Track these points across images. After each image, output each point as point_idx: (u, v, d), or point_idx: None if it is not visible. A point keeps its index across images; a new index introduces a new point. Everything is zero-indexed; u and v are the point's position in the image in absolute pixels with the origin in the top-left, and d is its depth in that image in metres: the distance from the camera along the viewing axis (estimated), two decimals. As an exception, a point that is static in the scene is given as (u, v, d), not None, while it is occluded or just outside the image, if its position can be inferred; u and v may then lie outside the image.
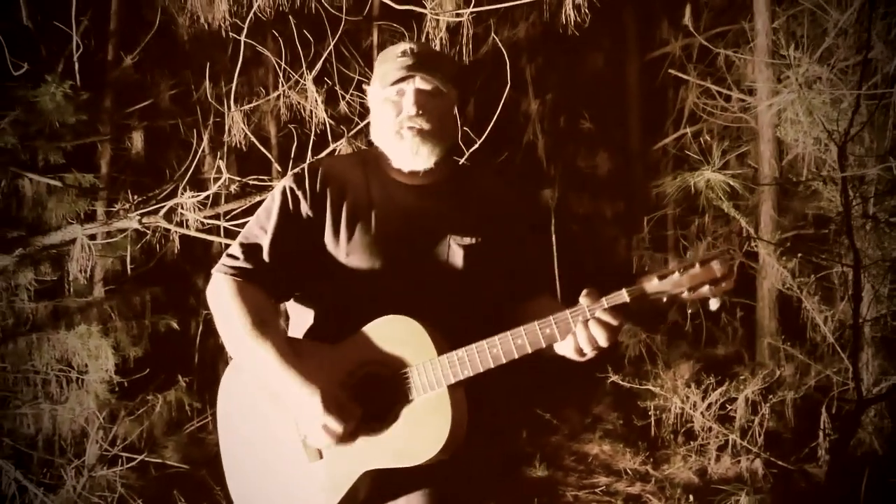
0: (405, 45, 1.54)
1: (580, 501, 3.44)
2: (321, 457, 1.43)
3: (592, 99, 7.25)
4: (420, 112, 1.49)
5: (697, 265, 1.29)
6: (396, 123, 1.50)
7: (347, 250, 1.49)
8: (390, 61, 1.52)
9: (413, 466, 1.37)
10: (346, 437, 1.39)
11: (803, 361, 4.02)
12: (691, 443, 3.74)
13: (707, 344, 5.88)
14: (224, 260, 1.52)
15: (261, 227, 1.53)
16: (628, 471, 3.76)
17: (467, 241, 1.51)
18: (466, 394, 1.40)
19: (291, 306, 1.61)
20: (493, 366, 1.35)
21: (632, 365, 5.12)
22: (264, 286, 1.50)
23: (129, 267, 3.67)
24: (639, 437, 4.13)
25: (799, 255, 3.84)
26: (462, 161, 2.81)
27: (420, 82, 1.50)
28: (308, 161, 3.02)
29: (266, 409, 1.48)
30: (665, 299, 1.31)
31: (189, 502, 3.26)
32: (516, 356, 1.35)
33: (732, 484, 3.33)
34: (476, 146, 3.00)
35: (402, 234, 1.51)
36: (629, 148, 7.74)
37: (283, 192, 1.54)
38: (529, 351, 1.35)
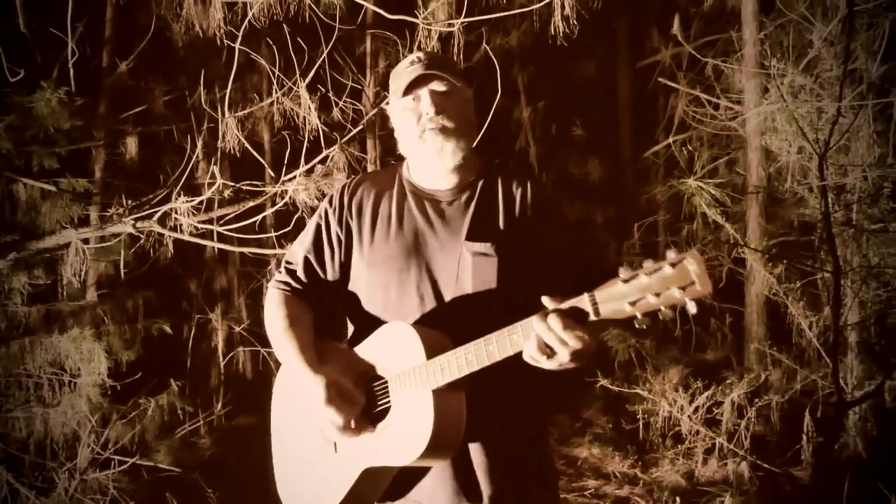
0: (412, 56, 1.60)
1: (570, 504, 3.48)
2: (336, 450, 1.53)
3: (584, 106, 7.32)
4: (438, 111, 1.53)
5: (667, 267, 1.13)
6: (418, 128, 1.55)
7: (369, 262, 1.60)
8: (401, 74, 1.58)
9: (416, 469, 1.43)
10: (349, 430, 1.48)
11: (790, 366, 4.08)
12: (679, 446, 3.79)
13: (696, 349, 5.94)
14: (275, 273, 1.73)
15: (300, 245, 1.69)
16: (617, 474, 3.81)
17: (479, 247, 1.51)
18: (473, 392, 1.42)
19: (344, 313, 1.73)
20: (468, 371, 1.36)
21: (621, 370, 5.17)
22: (301, 296, 1.67)
23: (122, 271, 3.70)
24: (628, 440, 4.18)
25: (784, 261, 3.91)
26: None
27: (433, 84, 1.54)
28: (299, 171, 3.06)
29: (300, 402, 1.59)
30: (630, 304, 1.16)
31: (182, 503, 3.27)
32: (488, 362, 1.34)
33: (718, 486, 3.38)
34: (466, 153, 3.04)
35: (416, 244, 1.57)
36: (620, 155, 7.82)
37: (319, 214, 1.69)
38: (499, 357, 1.33)
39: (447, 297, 1.52)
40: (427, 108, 1.53)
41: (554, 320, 1.24)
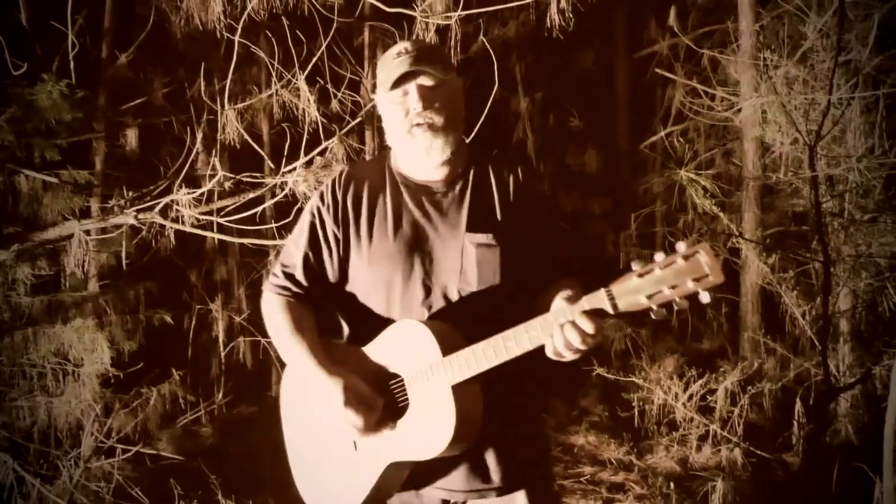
0: (399, 47, 1.56)
1: (566, 490, 3.54)
2: (356, 448, 1.55)
3: (581, 97, 7.34)
4: (426, 107, 1.51)
5: (680, 259, 1.17)
6: (406, 123, 1.53)
7: (370, 257, 1.58)
8: (388, 65, 1.54)
9: (434, 458, 1.46)
10: (369, 430, 1.50)
11: (784, 355, 4.13)
12: (673, 433, 3.85)
13: (692, 338, 6.00)
14: (270, 278, 1.68)
15: (296, 247, 1.64)
16: (612, 460, 3.87)
17: (481, 238, 1.52)
18: (488, 386, 1.45)
19: (339, 314, 1.71)
20: (488, 367, 1.39)
21: (618, 358, 5.23)
22: (303, 299, 1.64)
23: (124, 262, 3.73)
24: (623, 428, 4.24)
25: (779, 251, 3.95)
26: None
27: (421, 78, 1.51)
28: (299, 163, 3.10)
29: (314, 404, 1.60)
30: (647, 297, 1.20)
31: (185, 491, 3.33)
32: (507, 358, 1.37)
33: (711, 472, 3.44)
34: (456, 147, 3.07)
35: (418, 238, 1.56)
36: (617, 145, 7.84)
37: (311, 212, 1.64)
38: (518, 353, 1.36)
39: (453, 291, 1.52)
40: (415, 104, 1.51)
41: (584, 321, 1.28)
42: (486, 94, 3.09)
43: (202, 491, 3.50)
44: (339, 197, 1.62)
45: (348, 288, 1.63)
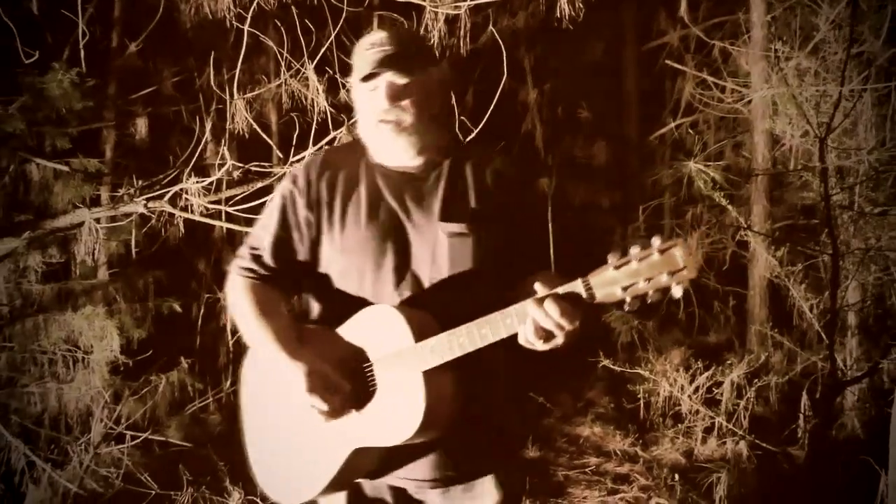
0: (374, 36, 1.52)
1: (571, 481, 3.55)
2: (319, 433, 1.53)
3: (590, 88, 7.30)
4: (394, 105, 1.47)
5: (656, 253, 1.19)
6: (373, 117, 1.50)
7: (342, 244, 1.55)
8: (361, 55, 1.50)
9: (402, 444, 1.44)
10: (334, 415, 1.47)
11: (791, 348, 4.12)
12: (679, 425, 3.86)
13: (699, 331, 5.99)
14: (236, 260, 1.64)
15: (265, 229, 1.61)
16: (618, 452, 3.88)
17: (455, 228, 1.49)
18: (460, 373, 1.43)
19: (306, 296, 1.68)
20: (461, 353, 1.38)
21: (624, 350, 5.23)
22: (270, 282, 1.61)
23: (133, 250, 3.76)
24: (629, 419, 4.25)
25: (787, 244, 3.94)
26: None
27: (392, 75, 1.46)
28: (308, 153, 3.10)
29: (276, 389, 1.58)
30: (623, 289, 1.21)
31: (194, 478, 3.37)
32: (481, 344, 1.36)
33: (716, 464, 3.45)
34: (473, 135, 3.08)
35: (390, 226, 1.53)
36: (626, 137, 7.81)
37: (283, 195, 1.60)
38: (492, 340, 1.35)
39: (425, 279, 1.51)
40: (382, 102, 1.47)
41: (551, 306, 1.27)
42: (495, 84, 3.08)
43: (210, 477, 3.53)
44: (314, 181, 1.58)
45: (320, 271, 1.60)
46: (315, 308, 1.65)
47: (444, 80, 1.59)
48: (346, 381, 1.48)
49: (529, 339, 1.32)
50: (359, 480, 1.58)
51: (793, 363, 4.12)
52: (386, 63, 1.45)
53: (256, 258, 1.60)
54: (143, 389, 3.91)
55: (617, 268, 1.22)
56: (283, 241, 1.59)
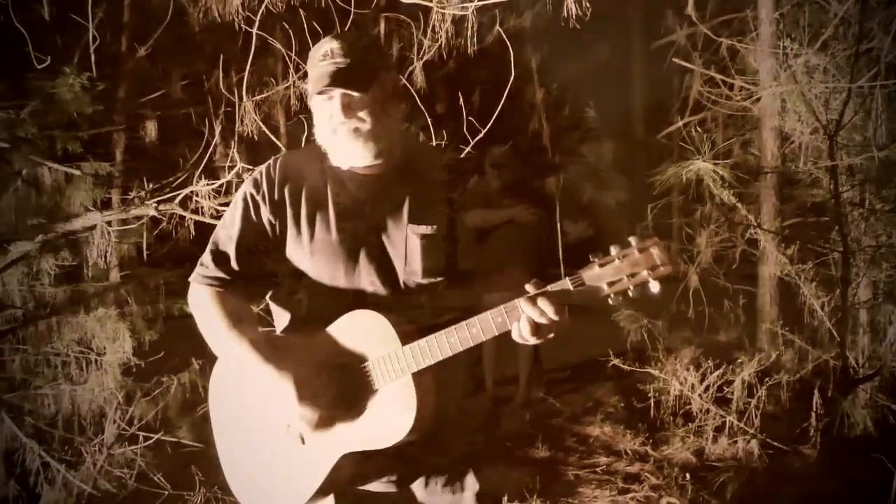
0: (326, 46, 1.49)
1: (581, 480, 3.55)
2: (303, 442, 1.53)
3: (597, 87, 7.29)
4: (349, 115, 1.47)
5: (636, 252, 1.30)
6: (330, 125, 1.50)
7: (311, 249, 1.55)
8: (315, 65, 1.49)
9: (387, 448, 1.45)
10: (322, 424, 1.48)
11: (802, 346, 4.10)
12: (689, 424, 3.85)
13: (709, 330, 5.96)
14: (198, 269, 1.61)
15: (227, 236, 1.59)
16: (628, 451, 3.87)
17: (424, 229, 1.53)
18: (435, 376, 1.46)
19: (272, 303, 1.69)
20: (451, 353, 1.41)
21: (634, 350, 5.21)
22: (237, 290, 1.60)
23: (144, 253, 3.79)
24: (639, 419, 4.24)
25: (797, 242, 3.92)
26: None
27: (345, 90, 1.46)
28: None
29: (253, 400, 1.57)
30: (608, 284, 1.32)
31: (206, 477, 3.39)
32: (472, 344, 1.40)
33: (727, 463, 3.44)
34: (481, 135, 3.08)
35: (361, 228, 1.54)
36: (634, 135, 7.80)
37: (245, 199, 1.58)
38: (484, 338, 1.39)
39: (398, 281, 1.53)
40: (337, 113, 1.47)
41: (545, 304, 1.34)
42: (502, 84, 3.08)
43: (223, 477, 3.55)
44: (277, 185, 1.56)
45: (288, 278, 1.59)
46: (279, 312, 1.64)
47: (398, 83, 1.62)
48: (331, 389, 1.48)
49: (524, 335, 1.38)
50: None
51: (804, 361, 4.09)
52: (339, 78, 1.45)
53: (221, 264, 1.58)
54: (156, 391, 3.94)
55: (601, 265, 1.32)
56: (247, 245, 1.57)
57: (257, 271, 1.60)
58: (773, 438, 3.59)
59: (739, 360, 3.83)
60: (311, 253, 1.54)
